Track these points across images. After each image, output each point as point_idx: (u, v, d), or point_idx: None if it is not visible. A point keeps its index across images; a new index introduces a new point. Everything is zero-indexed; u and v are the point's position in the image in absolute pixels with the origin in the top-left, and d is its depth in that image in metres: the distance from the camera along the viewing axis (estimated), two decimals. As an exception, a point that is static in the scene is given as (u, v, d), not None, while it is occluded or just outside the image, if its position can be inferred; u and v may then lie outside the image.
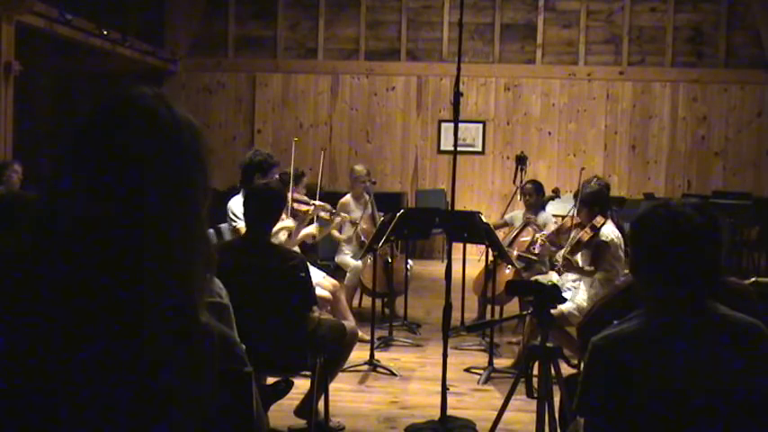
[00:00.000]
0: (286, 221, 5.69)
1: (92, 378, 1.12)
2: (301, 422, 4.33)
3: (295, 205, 5.98)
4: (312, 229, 6.24)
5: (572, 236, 5.63)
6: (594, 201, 5.46)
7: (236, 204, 5.56)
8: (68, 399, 1.11)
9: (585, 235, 5.42)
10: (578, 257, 5.56)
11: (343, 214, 6.71)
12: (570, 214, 6.26)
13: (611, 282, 5.17)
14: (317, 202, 6.27)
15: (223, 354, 1.27)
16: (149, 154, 1.16)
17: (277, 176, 5.89)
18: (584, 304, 5.17)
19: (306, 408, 4.26)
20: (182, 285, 1.17)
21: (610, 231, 5.32)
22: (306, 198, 6.28)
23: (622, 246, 5.23)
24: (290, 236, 5.76)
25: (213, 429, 1.27)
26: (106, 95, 1.21)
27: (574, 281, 5.73)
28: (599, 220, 5.40)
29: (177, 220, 1.17)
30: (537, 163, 11.19)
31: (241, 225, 5.46)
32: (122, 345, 1.13)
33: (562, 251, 5.63)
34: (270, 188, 4.26)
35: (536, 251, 6.43)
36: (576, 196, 6.23)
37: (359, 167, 7.23)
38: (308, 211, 6.11)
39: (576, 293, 5.45)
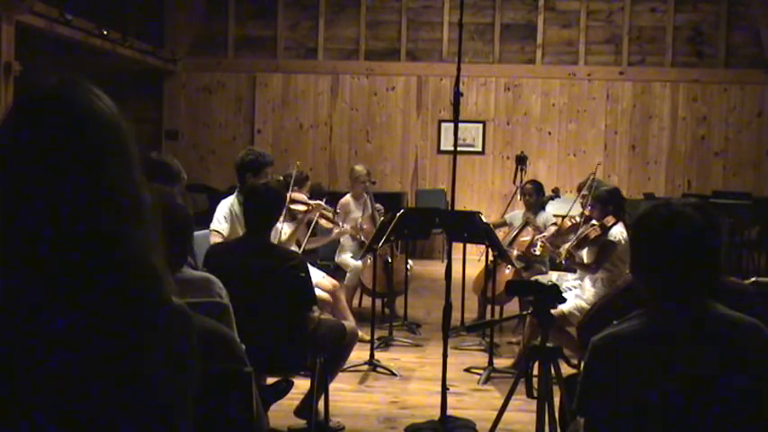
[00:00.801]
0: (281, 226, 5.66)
1: (61, 367, 1.10)
2: (301, 422, 4.33)
3: (292, 206, 5.94)
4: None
5: (580, 231, 5.63)
6: (609, 200, 5.47)
7: (222, 207, 5.42)
8: (36, 392, 1.10)
9: (593, 232, 5.41)
10: (583, 253, 5.56)
11: (345, 226, 6.70)
12: (569, 214, 6.25)
13: (614, 282, 5.16)
14: (315, 202, 6.24)
15: (223, 353, 1.26)
16: (85, 139, 1.14)
17: (276, 177, 5.87)
18: (585, 304, 5.17)
19: (306, 408, 4.26)
20: (142, 264, 1.16)
21: (618, 232, 5.31)
22: (304, 198, 6.25)
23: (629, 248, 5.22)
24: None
25: (213, 429, 1.26)
26: (20, 96, 1.19)
27: (574, 279, 5.73)
28: (609, 219, 5.39)
29: (126, 196, 1.16)
30: (537, 163, 11.19)
31: (218, 228, 5.32)
32: (88, 332, 1.11)
33: (567, 245, 5.63)
34: (269, 189, 4.26)
35: (536, 253, 6.42)
36: (579, 189, 6.24)
37: (359, 167, 7.23)
38: (305, 211, 6.08)
39: (578, 292, 5.45)
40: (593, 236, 5.40)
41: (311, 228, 6.25)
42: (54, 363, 1.10)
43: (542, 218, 6.91)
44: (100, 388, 1.11)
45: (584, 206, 6.40)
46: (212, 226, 5.36)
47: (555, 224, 6.50)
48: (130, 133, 1.21)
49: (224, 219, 5.34)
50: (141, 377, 1.13)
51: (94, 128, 1.16)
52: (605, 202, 5.46)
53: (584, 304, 5.20)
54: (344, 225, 6.72)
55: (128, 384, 1.12)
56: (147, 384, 1.14)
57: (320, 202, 6.27)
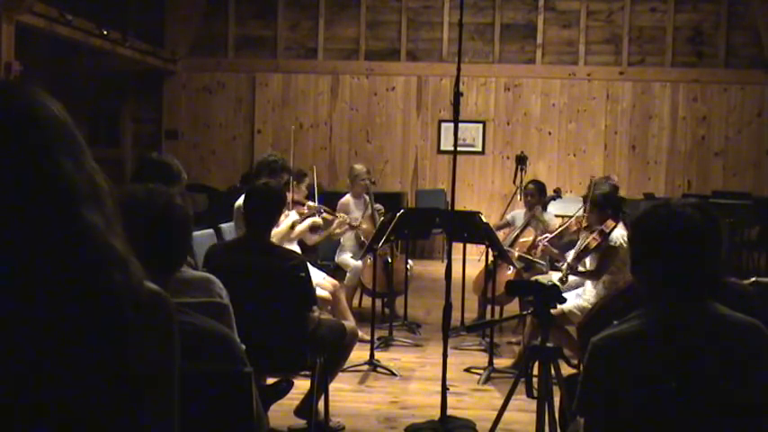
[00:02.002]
0: (291, 217, 5.72)
1: (19, 352, 1.06)
2: (301, 422, 4.33)
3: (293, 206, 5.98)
4: (318, 218, 6.23)
5: (579, 242, 5.46)
6: (606, 203, 5.25)
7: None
8: (21, 393, 1.06)
9: (593, 242, 5.21)
10: (587, 261, 5.44)
11: (342, 215, 6.70)
12: (576, 215, 6.21)
13: (617, 284, 5.10)
14: (312, 203, 6.27)
15: (223, 354, 1.25)
16: (33, 130, 1.15)
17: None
18: (587, 304, 5.14)
19: (306, 408, 4.26)
20: (102, 245, 1.14)
21: (619, 236, 5.11)
22: (302, 200, 6.27)
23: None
24: (293, 226, 5.76)
25: (213, 429, 1.25)
26: None
27: (575, 284, 5.70)
28: (609, 224, 5.17)
29: (80, 182, 1.15)
30: (537, 163, 11.19)
31: None
32: (47, 316, 1.07)
33: (569, 259, 5.48)
34: (269, 188, 4.26)
35: (537, 254, 6.39)
36: (585, 198, 6.17)
37: (358, 167, 7.24)
38: (303, 212, 6.12)
39: (579, 291, 5.42)
40: (593, 245, 5.21)
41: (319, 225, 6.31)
42: (13, 349, 1.06)
43: (544, 218, 6.89)
44: (62, 379, 1.07)
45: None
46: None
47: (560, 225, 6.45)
48: (76, 129, 1.22)
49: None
50: (109, 364, 1.09)
51: (41, 120, 1.16)
52: (602, 206, 5.26)
53: (585, 304, 5.17)
54: (345, 213, 6.75)
55: (96, 373, 1.08)
56: (118, 374, 1.10)
57: (316, 204, 6.32)
